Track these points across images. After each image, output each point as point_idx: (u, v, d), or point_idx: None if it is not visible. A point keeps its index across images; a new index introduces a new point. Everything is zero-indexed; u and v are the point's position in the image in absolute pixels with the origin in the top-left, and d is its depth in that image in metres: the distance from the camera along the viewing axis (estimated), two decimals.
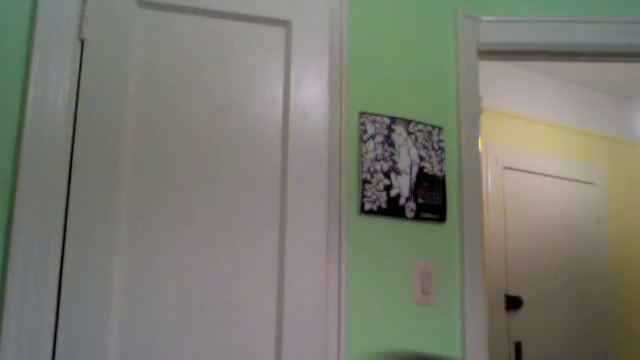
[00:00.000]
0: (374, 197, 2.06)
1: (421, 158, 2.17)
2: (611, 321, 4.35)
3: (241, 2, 1.94)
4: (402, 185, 2.11)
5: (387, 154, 2.11)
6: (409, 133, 2.16)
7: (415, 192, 2.13)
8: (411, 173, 2.14)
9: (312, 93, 1.96)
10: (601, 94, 4.60)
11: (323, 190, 1.91)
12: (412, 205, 2.12)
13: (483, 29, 2.41)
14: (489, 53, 2.44)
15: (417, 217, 2.13)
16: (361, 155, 2.08)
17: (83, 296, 1.66)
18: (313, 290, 1.84)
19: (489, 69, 3.02)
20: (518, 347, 3.80)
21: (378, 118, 2.13)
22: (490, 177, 3.96)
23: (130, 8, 1.83)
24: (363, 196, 2.05)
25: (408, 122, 2.17)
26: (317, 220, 1.88)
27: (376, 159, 2.09)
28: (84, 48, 1.78)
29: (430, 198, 2.16)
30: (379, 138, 2.11)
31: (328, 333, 1.90)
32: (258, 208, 1.85)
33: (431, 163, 2.18)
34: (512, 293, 3.93)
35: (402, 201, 2.10)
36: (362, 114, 2.11)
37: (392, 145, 2.13)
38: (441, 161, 2.21)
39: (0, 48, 1.73)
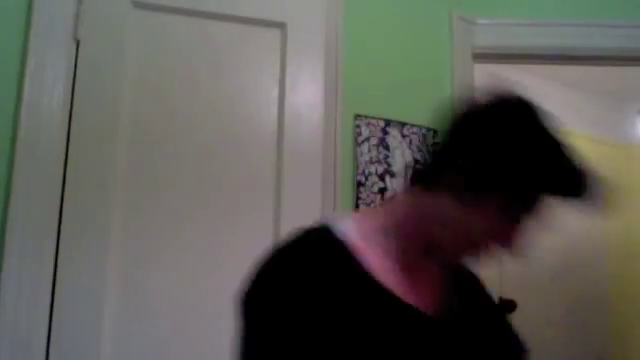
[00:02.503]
0: (368, 199, 2.06)
1: (416, 161, 2.17)
2: (606, 324, 4.36)
3: (236, 4, 1.94)
4: (396, 188, 2.11)
5: (382, 157, 2.11)
6: (404, 136, 2.16)
7: None
8: (406, 176, 2.14)
9: (307, 95, 1.96)
10: (597, 98, 4.61)
11: (317, 192, 1.91)
12: None
13: (478, 32, 2.41)
14: (484, 56, 2.44)
15: None
16: (356, 157, 2.08)
17: (77, 295, 1.66)
18: None
19: (484, 72, 3.02)
20: None
21: (373, 121, 2.13)
22: None
23: (125, 9, 1.83)
24: (357, 198, 2.05)
25: (403, 125, 2.17)
26: (312, 222, 1.88)
27: (371, 161, 2.09)
28: (79, 48, 1.79)
29: None
30: (374, 141, 2.11)
31: None
32: (253, 209, 1.85)
33: None
34: (506, 296, 3.93)
35: None
36: (357, 116, 2.11)
37: (387, 148, 2.13)
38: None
39: None
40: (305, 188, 1.90)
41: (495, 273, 3.92)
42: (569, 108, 4.46)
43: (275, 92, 1.94)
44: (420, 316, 1.04)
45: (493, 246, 1.04)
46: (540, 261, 4.14)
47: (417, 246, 1.09)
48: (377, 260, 1.05)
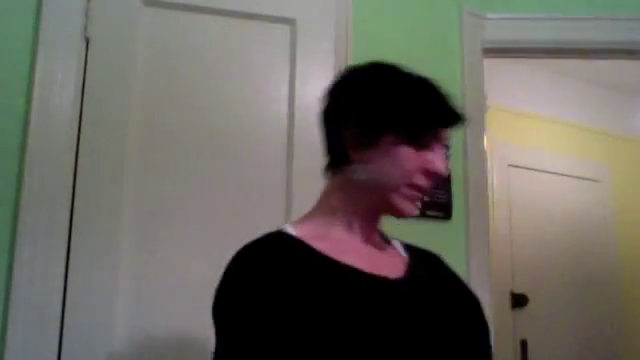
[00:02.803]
0: None
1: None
2: (618, 319, 4.34)
3: (246, 0, 1.94)
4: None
5: None
6: None
7: None
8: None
9: (318, 91, 1.94)
10: (606, 91, 4.58)
11: None
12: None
13: (488, 27, 2.40)
14: (494, 51, 2.43)
15: (422, 215, 2.12)
16: None
17: (89, 291, 1.67)
18: None
19: (494, 67, 3.02)
20: (524, 345, 3.79)
21: None
22: (495, 175, 3.95)
23: (135, 7, 1.83)
24: None
25: None
26: None
27: None
28: (89, 47, 1.79)
29: (435, 196, 2.15)
30: None
31: None
32: (263, 206, 1.85)
33: None
34: (518, 291, 3.92)
35: None
36: None
37: None
38: (446, 159, 2.20)
39: (5, 47, 1.73)
40: (316, 184, 1.89)
41: (507, 268, 3.91)
42: (580, 102, 4.44)
43: (285, 88, 1.94)
44: (383, 282, 1.07)
45: (422, 180, 1.12)
46: (551, 256, 4.13)
47: (364, 220, 1.16)
48: (330, 246, 1.10)
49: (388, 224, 2.06)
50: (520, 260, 3.99)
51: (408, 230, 2.11)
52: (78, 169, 1.72)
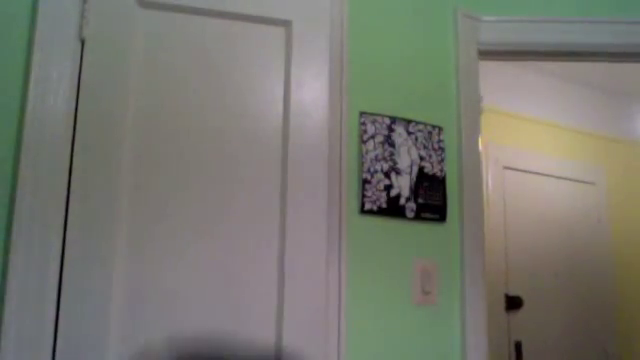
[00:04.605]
0: (374, 197, 2.06)
1: (421, 158, 2.16)
2: (611, 320, 4.35)
3: (241, 2, 1.94)
4: (402, 185, 2.11)
5: (387, 154, 2.11)
6: (409, 133, 2.16)
7: (415, 192, 2.13)
8: (411, 173, 2.14)
9: (312, 93, 1.96)
10: (600, 94, 4.60)
11: (323, 190, 1.91)
12: (412, 205, 2.12)
13: (483, 29, 2.41)
14: (489, 53, 2.44)
15: (417, 217, 2.13)
16: (361, 155, 2.08)
17: (83, 295, 1.66)
18: (313, 290, 1.84)
19: (489, 69, 3.02)
20: (518, 347, 3.80)
21: (378, 118, 2.13)
22: (490, 177, 3.96)
23: (131, 8, 1.83)
24: (363, 196, 2.05)
25: (408, 122, 2.17)
26: (317, 220, 1.88)
27: (376, 159, 2.09)
28: (84, 47, 1.79)
29: (430, 198, 2.15)
30: (379, 138, 2.11)
31: (328, 333, 1.90)
32: (258, 208, 1.85)
33: (431, 163, 2.18)
34: (512, 293, 3.93)
35: (402, 201, 2.10)
36: (362, 114, 2.11)
37: (392, 145, 2.13)
38: (441, 161, 2.21)
39: (1, 47, 1.73)
40: (310, 186, 1.90)
41: (502, 270, 3.92)
42: (574, 105, 4.45)
43: (280, 90, 1.94)
44: None
45: None
46: (545, 258, 4.14)
47: None
48: None
49: (383, 226, 2.08)
50: (515, 262, 4.00)
51: (404, 232, 2.12)
52: (73, 169, 1.71)
